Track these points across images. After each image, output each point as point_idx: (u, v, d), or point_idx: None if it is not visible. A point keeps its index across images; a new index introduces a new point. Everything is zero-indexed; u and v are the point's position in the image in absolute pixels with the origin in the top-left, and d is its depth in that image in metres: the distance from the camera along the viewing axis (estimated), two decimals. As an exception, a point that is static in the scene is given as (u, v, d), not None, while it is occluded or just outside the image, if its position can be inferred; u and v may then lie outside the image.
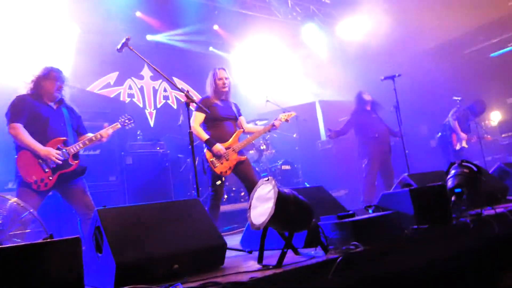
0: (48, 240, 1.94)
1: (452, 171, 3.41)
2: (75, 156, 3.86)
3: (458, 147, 6.98)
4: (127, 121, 4.33)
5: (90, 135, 4.07)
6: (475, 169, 3.38)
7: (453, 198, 3.16)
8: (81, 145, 3.88)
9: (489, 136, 7.29)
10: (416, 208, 2.87)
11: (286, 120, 4.86)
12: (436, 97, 8.07)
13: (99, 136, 4.02)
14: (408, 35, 7.98)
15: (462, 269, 2.66)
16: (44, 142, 3.71)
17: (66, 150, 3.78)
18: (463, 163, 3.46)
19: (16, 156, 3.69)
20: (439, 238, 2.78)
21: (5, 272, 1.70)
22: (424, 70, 7.92)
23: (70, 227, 5.24)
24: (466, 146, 6.98)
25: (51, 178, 3.68)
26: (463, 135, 6.98)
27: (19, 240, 3.34)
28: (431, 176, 3.75)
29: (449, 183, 3.32)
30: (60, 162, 3.67)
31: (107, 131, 4.09)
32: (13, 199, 3.31)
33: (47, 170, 3.67)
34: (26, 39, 6.52)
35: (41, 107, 3.81)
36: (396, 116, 5.52)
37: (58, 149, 3.74)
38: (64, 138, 3.83)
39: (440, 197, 3.01)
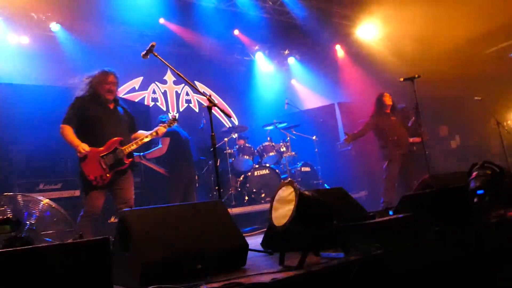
0: (78, 240, 2.02)
1: (474, 172, 3.37)
2: (129, 154, 4.12)
3: None
4: (172, 121, 4.50)
5: (143, 134, 4.28)
6: (497, 170, 3.33)
7: (475, 200, 3.13)
8: (134, 145, 4.13)
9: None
10: (437, 210, 2.85)
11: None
12: (456, 97, 7.94)
13: (154, 133, 4.24)
14: (428, 35, 7.88)
15: (485, 271, 2.64)
16: (101, 143, 3.97)
17: (121, 149, 4.02)
18: (485, 164, 3.41)
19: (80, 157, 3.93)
20: (460, 240, 2.76)
21: (37, 271, 1.77)
22: (444, 71, 7.81)
23: (99, 226, 5.41)
24: None
25: (108, 175, 3.92)
26: None
27: (51, 240, 3.47)
28: (453, 178, 3.71)
29: (471, 184, 3.28)
30: (79, 155, 3.87)
31: (160, 130, 4.28)
32: (45, 200, 3.45)
33: (104, 167, 3.92)
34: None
35: (97, 109, 4.05)
36: (416, 117, 5.47)
37: (115, 149, 3.99)
38: (121, 138, 4.07)
39: (462, 198, 2.98)
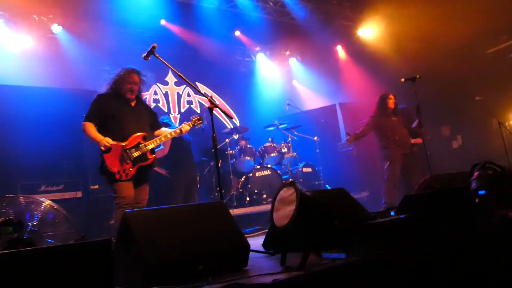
0: (80, 241, 2.03)
1: (476, 173, 3.37)
2: (152, 150, 4.12)
3: None
4: (197, 121, 4.47)
5: (166, 131, 4.31)
6: (499, 170, 3.33)
7: (476, 200, 3.13)
8: (157, 141, 4.13)
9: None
10: (439, 211, 2.85)
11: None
12: (457, 97, 7.94)
13: (178, 131, 4.25)
14: (429, 35, 7.88)
15: (486, 271, 2.64)
16: (124, 139, 3.98)
17: (144, 144, 4.04)
18: (487, 164, 3.41)
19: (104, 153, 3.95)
20: (462, 240, 2.75)
21: (39, 272, 1.78)
22: (445, 71, 7.81)
23: (101, 228, 5.44)
24: None
25: (131, 169, 3.93)
26: None
27: (53, 241, 3.48)
28: (454, 178, 3.71)
29: (473, 184, 3.28)
30: (103, 149, 3.89)
31: (184, 128, 4.29)
32: (47, 202, 3.46)
33: (128, 161, 3.93)
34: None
35: (119, 106, 4.08)
36: (417, 117, 5.48)
37: (138, 144, 4.01)
38: (144, 133, 4.09)
39: (463, 199, 2.98)
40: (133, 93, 4.15)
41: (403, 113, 6.44)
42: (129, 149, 3.98)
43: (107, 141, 3.87)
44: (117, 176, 3.89)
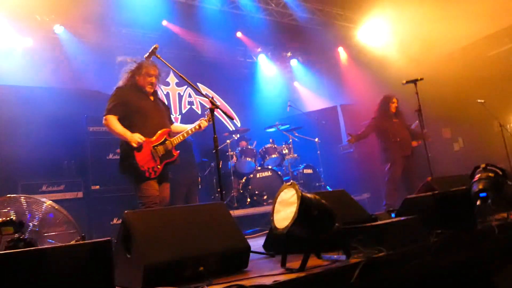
0: (81, 241, 2.03)
1: (477, 175, 3.36)
2: (175, 147, 4.04)
3: None
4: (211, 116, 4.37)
5: (185, 127, 4.21)
6: (500, 173, 3.33)
7: (477, 203, 3.12)
8: (181, 137, 4.05)
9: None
10: (440, 213, 2.85)
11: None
12: (459, 100, 7.93)
13: (198, 127, 4.14)
14: (431, 37, 7.88)
15: (487, 274, 2.64)
16: (150, 134, 3.85)
17: (170, 141, 3.95)
18: (488, 167, 3.40)
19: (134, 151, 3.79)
20: (463, 243, 2.75)
21: (40, 272, 1.79)
22: (447, 73, 7.80)
23: (102, 228, 5.45)
24: None
25: (159, 166, 3.84)
26: None
27: (53, 241, 3.48)
28: (455, 180, 3.71)
29: (474, 187, 3.27)
30: (135, 145, 3.73)
31: (202, 124, 4.17)
32: (48, 202, 3.47)
33: (156, 159, 3.83)
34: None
35: (140, 100, 3.94)
36: (418, 119, 5.47)
37: (164, 140, 3.91)
38: (169, 129, 4.01)
39: (465, 201, 2.98)
40: (153, 86, 4.03)
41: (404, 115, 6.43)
42: (157, 145, 3.86)
43: (139, 137, 3.73)
44: (147, 174, 3.75)
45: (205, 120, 4.20)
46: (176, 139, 3.99)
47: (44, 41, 7.13)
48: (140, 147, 3.74)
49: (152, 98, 4.07)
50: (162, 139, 3.92)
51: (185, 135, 4.08)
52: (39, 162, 5.45)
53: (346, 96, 9.64)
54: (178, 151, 4.06)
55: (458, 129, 8.43)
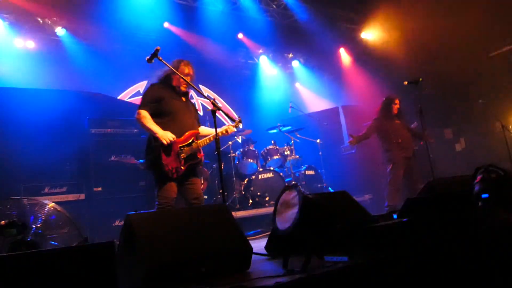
0: (83, 243, 2.04)
1: (479, 176, 3.36)
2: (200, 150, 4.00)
3: None
4: (239, 123, 4.28)
5: (211, 130, 4.14)
6: (502, 173, 3.32)
7: (479, 204, 3.12)
8: (207, 141, 3.99)
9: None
10: (442, 214, 2.85)
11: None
12: (460, 100, 7.93)
13: (225, 131, 4.10)
14: (432, 38, 7.88)
15: (489, 275, 2.63)
16: (178, 134, 3.82)
17: (197, 143, 3.92)
18: (490, 168, 3.40)
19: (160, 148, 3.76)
20: (465, 244, 2.75)
21: (43, 274, 1.80)
22: (448, 74, 7.81)
23: (104, 230, 5.46)
24: None
25: (182, 167, 3.81)
26: None
27: (56, 243, 3.49)
28: (457, 181, 3.71)
29: (476, 188, 3.27)
30: (165, 143, 3.70)
31: (229, 128, 4.15)
32: (50, 204, 3.48)
33: (181, 159, 3.81)
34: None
35: (173, 99, 3.91)
36: (420, 120, 5.47)
37: (191, 142, 3.88)
38: (197, 131, 3.98)
39: (466, 202, 2.98)
40: (188, 86, 4.03)
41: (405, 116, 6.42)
42: (184, 146, 3.85)
43: (172, 136, 3.71)
44: (170, 174, 3.73)
45: (233, 126, 4.19)
46: (202, 142, 3.97)
47: (46, 43, 7.16)
48: (168, 145, 3.74)
49: (184, 99, 4.06)
50: (190, 141, 3.90)
51: (211, 138, 4.03)
52: (41, 164, 5.46)
53: (348, 97, 9.64)
54: (203, 154, 4.04)
55: (460, 130, 8.42)
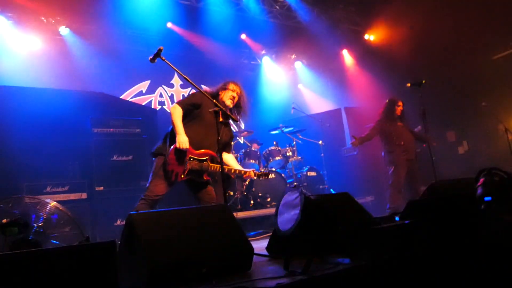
0: (85, 242, 2.04)
1: (481, 179, 3.34)
2: (209, 174, 3.96)
3: None
4: (263, 175, 4.34)
5: (232, 163, 4.17)
6: (505, 176, 3.31)
7: (482, 207, 3.11)
8: (220, 169, 3.76)
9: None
10: (444, 216, 2.84)
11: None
12: (463, 103, 7.91)
13: (243, 172, 4.12)
14: (436, 41, 7.86)
15: (491, 278, 2.62)
16: (196, 145, 3.85)
17: (209, 164, 3.90)
18: (493, 171, 3.39)
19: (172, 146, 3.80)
20: (468, 247, 2.74)
21: (44, 273, 1.80)
22: (451, 76, 7.79)
23: (106, 229, 5.46)
24: None
25: (182, 176, 3.80)
26: None
27: (58, 242, 3.50)
28: (460, 184, 3.69)
29: (478, 191, 3.26)
30: (177, 146, 3.72)
31: (250, 174, 4.17)
32: (52, 203, 3.48)
33: (185, 169, 3.79)
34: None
35: (209, 113, 3.84)
36: (423, 122, 5.46)
37: (204, 160, 3.87)
38: (215, 154, 3.95)
39: (469, 205, 2.96)
40: (233, 102, 4.13)
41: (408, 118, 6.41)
42: (194, 159, 3.86)
43: (187, 145, 3.73)
44: (168, 174, 3.77)
45: (254, 173, 4.22)
46: (214, 167, 3.95)
47: (49, 42, 7.18)
48: (181, 150, 3.76)
49: (221, 118, 3.89)
50: (203, 158, 3.91)
51: (226, 170, 4.04)
52: (43, 163, 5.48)
53: (350, 99, 9.63)
54: (209, 178, 4.01)
55: (463, 133, 8.40)
